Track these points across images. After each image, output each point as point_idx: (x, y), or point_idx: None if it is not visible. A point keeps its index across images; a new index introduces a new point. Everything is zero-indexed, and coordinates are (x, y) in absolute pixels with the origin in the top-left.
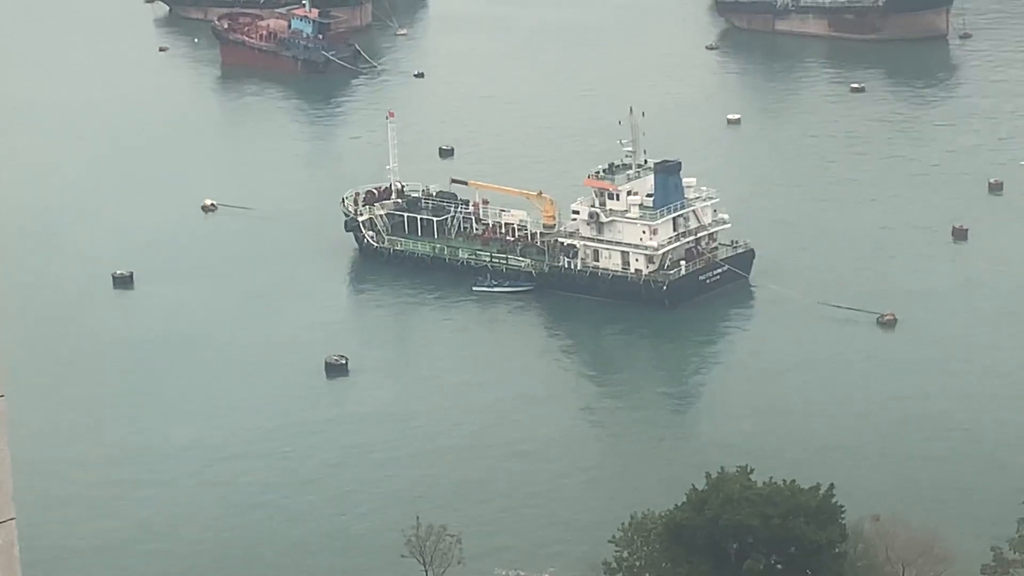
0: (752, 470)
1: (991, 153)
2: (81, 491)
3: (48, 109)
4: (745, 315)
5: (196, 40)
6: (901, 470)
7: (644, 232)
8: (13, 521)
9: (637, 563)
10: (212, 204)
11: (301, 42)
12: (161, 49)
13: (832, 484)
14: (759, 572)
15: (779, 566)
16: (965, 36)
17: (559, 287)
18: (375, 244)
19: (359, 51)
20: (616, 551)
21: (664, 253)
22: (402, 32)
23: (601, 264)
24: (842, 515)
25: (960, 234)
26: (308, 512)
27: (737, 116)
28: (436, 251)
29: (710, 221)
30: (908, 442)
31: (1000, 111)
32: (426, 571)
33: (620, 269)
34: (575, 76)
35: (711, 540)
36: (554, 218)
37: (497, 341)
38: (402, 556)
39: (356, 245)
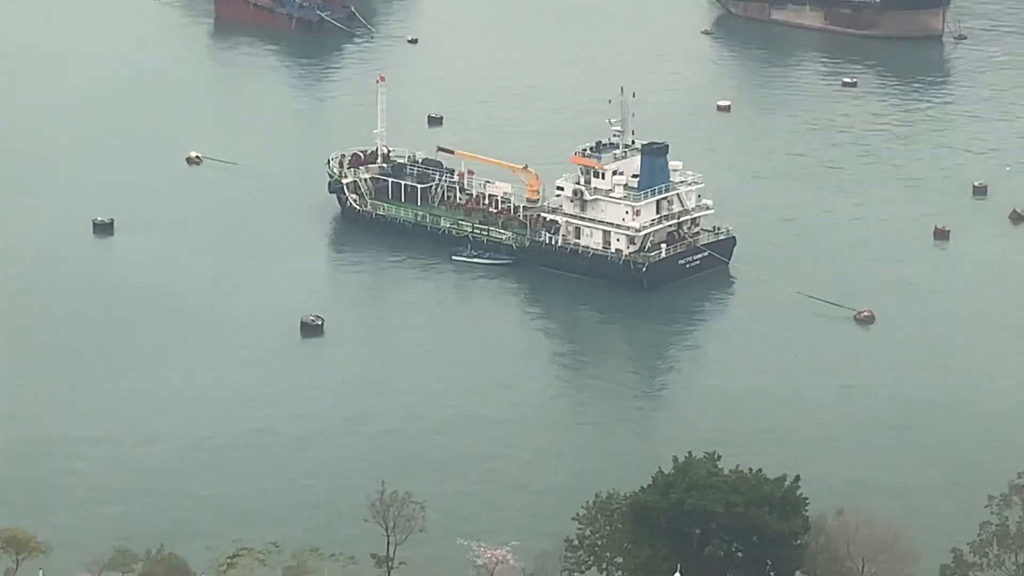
0: (719, 457)
1: (977, 156)
2: (42, 438)
3: (39, 54)
4: (723, 302)
5: None
6: (868, 467)
7: (627, 212)
8: None
9: (599, 542)
10: (197, 157)
11: (296, 0)
12: None
13: (798, 476)
14: (720, 559)
15: (740, 554)
16: (960, 38)
17: (539, 262)
18: (358, 207)
19: (354, 13)
20: (579, 528)
21: (646, 235)
22: None
23: (582, 242)
24: (806, 507)
25: (942, 235)
26: (273, 471)
27: (727, 103)
28: (418, 218)
29: (693, 206)
30: (876, 439)
31: (989, 115)
32: (388, 537)
33: (601, 248)
34: (569, 52)
35: (674, 524)
36: (538, 193)
37: (473, 312)
38: (365, 520)
39: (339, 207)
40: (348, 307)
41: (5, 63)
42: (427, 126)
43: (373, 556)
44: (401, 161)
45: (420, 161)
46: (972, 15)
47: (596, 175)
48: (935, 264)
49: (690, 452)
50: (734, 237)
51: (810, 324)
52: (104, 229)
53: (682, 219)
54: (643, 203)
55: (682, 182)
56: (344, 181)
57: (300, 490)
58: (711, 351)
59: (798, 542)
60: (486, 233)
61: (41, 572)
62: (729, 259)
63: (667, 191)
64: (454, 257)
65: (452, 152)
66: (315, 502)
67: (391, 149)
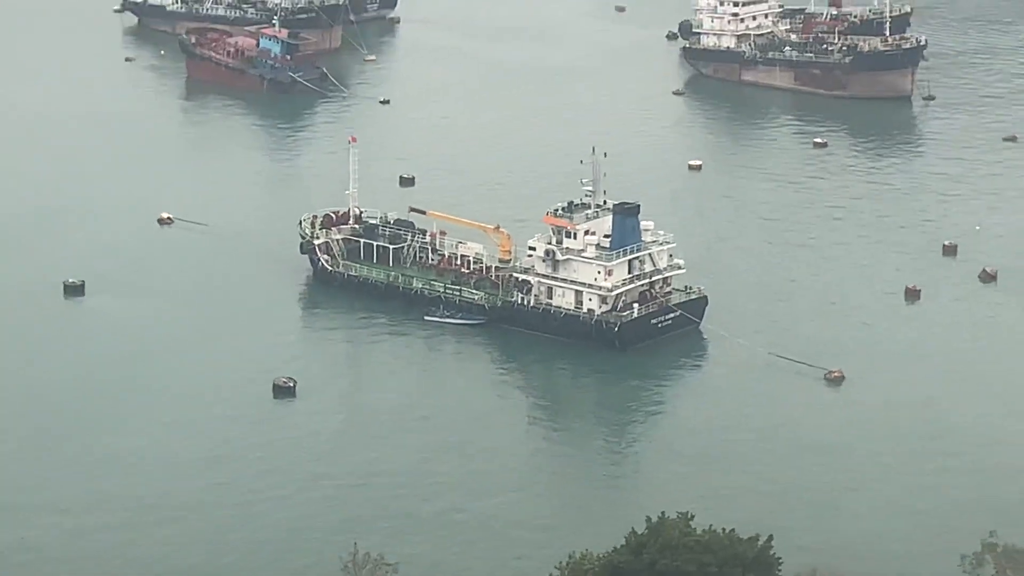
0: (692, 517)
1: (947, 216)
2: (10, 501)
3: (9, 113)
4: (694, 362)
5: (162, 52)
6: (840, 526)
7: (599, 272)
8: None
9: None
10: (169, 218)
11: (268, 61)
12: (127, 59)
13: (771, 536)
14: None
15: None
16: (929, 98)
17: (511, 322)
18: (330, 268)
19: (326, 74)
20: None
21: (618, 294)
22: (371, 58)
23: (554, 302)
24: (779, 567)
25: (913, 295)
26: (246, 533)
27: (699, 163)
28: (390, 279)
29: (665, 265)
30: (848, 498)
31: (958, 175)
32: None
33: (573, 308)
34: (541, 113)
35: None
36: (510, 253)
37: (446, 373)
38: None
39: (311, 268)
40: (321, 369)
41: None
42: (399, 187)
43: None
44: (373, 222)
45: (392, 222)
46: (939, 75)
47: (568, 235)
48: (906, 324)
49: (663, 512)
50: (706, 297)
51: (780, 384)
52: (75, 290)
53: (654, 279)
54: (615, 263)
55: (654, 241)
56: (316, 242)
57: (272, 552)
58: (683, 411)
59: None
60: (458, 293)
61: None
62: (701, 319)
63: (639, 251)
64: (426, 318)
65: (424, 212)
66: (288, 564)
67: (363, 210)
